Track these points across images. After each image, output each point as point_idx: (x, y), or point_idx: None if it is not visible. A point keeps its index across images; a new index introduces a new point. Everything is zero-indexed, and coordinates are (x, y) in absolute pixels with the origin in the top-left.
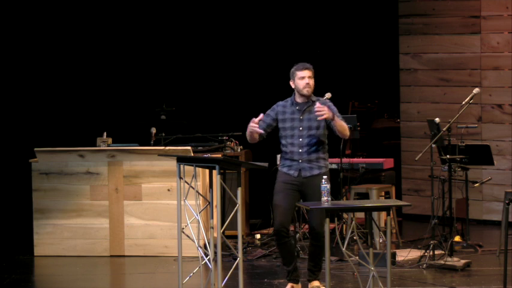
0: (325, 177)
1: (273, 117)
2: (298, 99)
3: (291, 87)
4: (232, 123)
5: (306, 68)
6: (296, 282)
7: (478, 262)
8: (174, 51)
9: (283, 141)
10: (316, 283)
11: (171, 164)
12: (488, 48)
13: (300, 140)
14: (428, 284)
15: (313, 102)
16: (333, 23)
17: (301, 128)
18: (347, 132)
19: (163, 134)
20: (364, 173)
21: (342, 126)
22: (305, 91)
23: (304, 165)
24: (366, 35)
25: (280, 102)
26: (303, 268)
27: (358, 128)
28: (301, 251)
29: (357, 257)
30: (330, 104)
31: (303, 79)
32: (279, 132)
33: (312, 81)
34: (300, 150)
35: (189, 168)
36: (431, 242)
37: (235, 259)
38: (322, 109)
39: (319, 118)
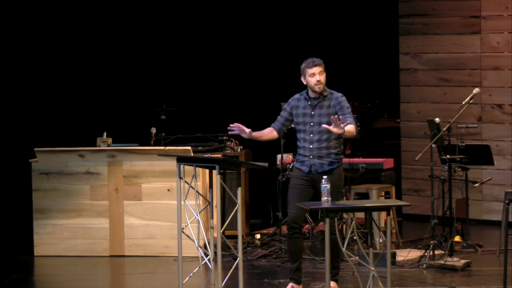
0: (325, 177)
1: (289, 111)
2: (311, 94)
3: (291, 86)
4: (232, 123)
5: (316, 65)
6: (297, 282)
7: (478, 262)
8: (174, 51)
9: (297, 136)
10: (333, 284)
11: (171, 164)
12: (488, 48)
13: (311, 135)
14: (428, 284)
15: (325, 97)
16: (333, 23)
17: (312, 124)
18: (354, 133)
19: (163, 134)
20: (364, 173)
21: (349, 133)
22: (316, 88)
23: (315, 161)
24: (366, 35)
25: (296, 96)
26: (304, 268)
27: (358, 128)
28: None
29: (357, 257)
30: (343, 99)
31: (313, 76)
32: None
33: (323, 77)
34: (311, 146)
35: (189, 168)
36: (431, 242)
37: (235, 259)
38: (338, 127)
39: (328, 127)
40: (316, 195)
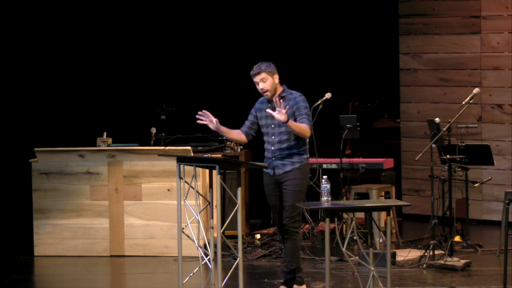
0: (325, 177)
1: (254, 114)
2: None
3: (290, 87)
4: (232, 123)
5: (255, 74)
6: (298, 283)
7: (478, 262)
8: (174, 51)
9: (263, 139)
10: None
11: (171, 164)
12: (488, 48)
13: (273, 137)
14: (428, 284)
15: (283, 98)
16: (333, 23)
17: (273, 126)
18: (306, 134)
19: (163, 134)
20: (364, 173)
21: (298, 128)
22: (264, 95)
23: (277, 163)
24: (366, 35)
25: (260, 98)
26: (304, 268)
27: (358, 128)
28: (301, 251)
29: (357, 257)
30: (300, 99)
31: (257, 85)
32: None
33: (265, 85)
34: (273, 148)
35: (189, 168)
36: (431, 242)
37: (235, 259)
38: (280, 112)
39: (270, 112)
40: (282, 196)
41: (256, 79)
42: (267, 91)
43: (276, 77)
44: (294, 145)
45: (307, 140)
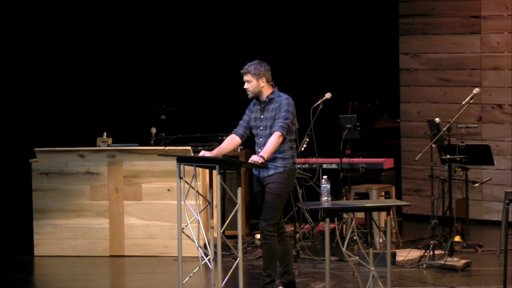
0: (325, 177)
1: (248, 114)
2: (260, 98)
3: (290, 86)
4: (232, 123)
5: (243, 73)
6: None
7: (478, 262)
8: (174, 51)
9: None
10: None
11: (171, 164)
12: (488, 48)
13: (260, 139)
14: (428, 284)
15: (270, 100)
16: (333, 23)
17: (261, 128)
18: (280, 142)
19: (163, 134)
20: (364, 173)
21: (273, 148)
22: (248, 95)
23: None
24: (366, 35)
25: (254, 99)
26: (304, 268)
27: (358, 128)
28: (301, 251)
29: (357, 257)
30: (285, 102)
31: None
32: None
33: (250, 85)
34: (259, 150)
35: (189, 168)
36: (431, 242)
37: (235, 259)
38: (253, 159)
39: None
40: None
41: (243, 77)
42: (249, 92)
43: (263, 80)
44: (278, 149)
45: (294, 144)
